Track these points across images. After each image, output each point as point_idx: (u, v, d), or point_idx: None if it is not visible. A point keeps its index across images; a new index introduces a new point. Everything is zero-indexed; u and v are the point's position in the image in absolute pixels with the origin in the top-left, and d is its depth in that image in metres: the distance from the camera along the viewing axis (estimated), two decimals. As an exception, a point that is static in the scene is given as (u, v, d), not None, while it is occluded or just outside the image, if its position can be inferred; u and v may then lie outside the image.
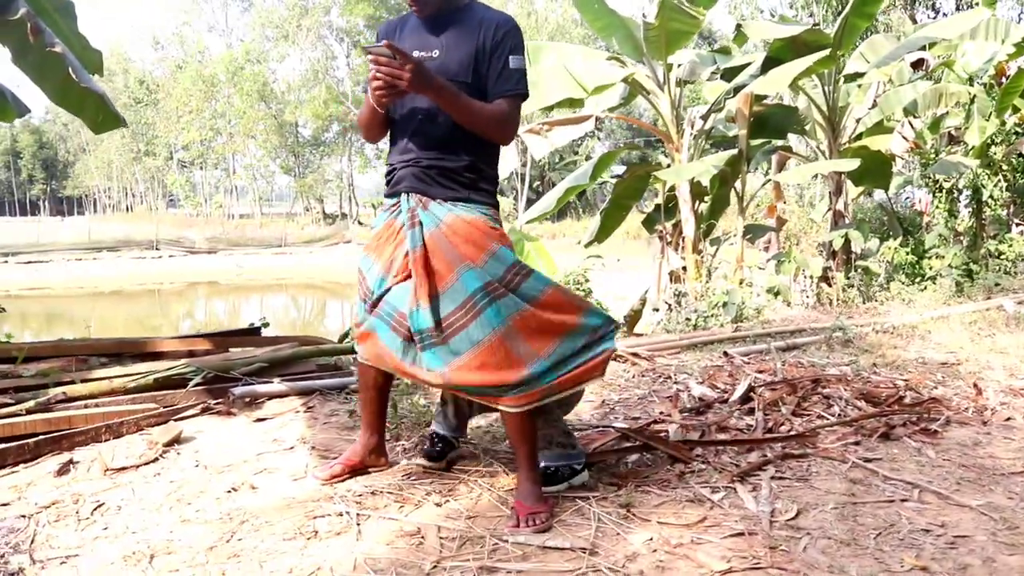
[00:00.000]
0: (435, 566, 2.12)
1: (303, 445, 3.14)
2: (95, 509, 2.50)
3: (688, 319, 6.64)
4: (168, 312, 29.52)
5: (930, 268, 9.43)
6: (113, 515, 2.46)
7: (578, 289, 7.16)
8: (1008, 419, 3.78)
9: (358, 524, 2.38)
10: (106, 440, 3.13)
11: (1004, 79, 10.84)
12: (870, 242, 8.70)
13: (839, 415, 3.73)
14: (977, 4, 18.59)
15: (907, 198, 11.82)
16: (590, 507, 2.55)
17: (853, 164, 7.55)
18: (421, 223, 2.45)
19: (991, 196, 10.50)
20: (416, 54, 2.42)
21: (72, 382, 3.43)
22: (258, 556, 2.18)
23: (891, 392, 4.07)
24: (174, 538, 2.30)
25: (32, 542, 2.28)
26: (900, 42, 8.74)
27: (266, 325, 4.55)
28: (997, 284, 8.65)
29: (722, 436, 3.37)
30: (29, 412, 3.15)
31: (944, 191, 11.39)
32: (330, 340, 4.64)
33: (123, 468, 2.82)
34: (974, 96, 10.72)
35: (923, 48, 9.29)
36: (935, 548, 2.32)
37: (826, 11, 18.02)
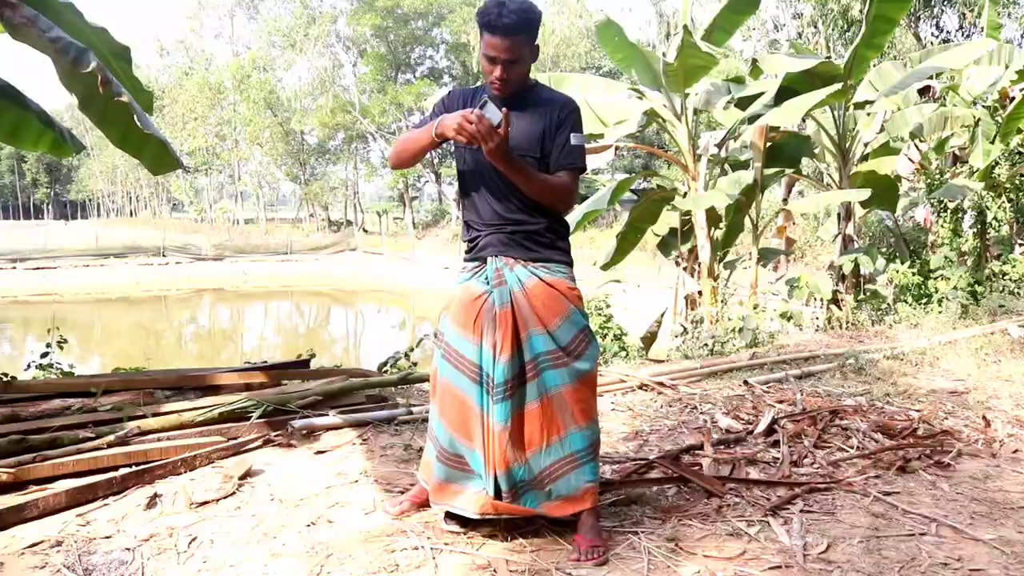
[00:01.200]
0: (510, 600, 2.37)
1: (366, 478, 3.39)
2: (190, 543, 2.75)
3: (706, 344, 6.89)
4: (174, 319, 29.79)
5: (936, 289, 9.68)
6: (208, 549, 2.71)
7: (599, 314, 7.42)
8: (1015, 451, 4.03)
9: (434, 558, 2.63)
10: (182, 473, 3.38)
11: (1008, 102, 11.11)
12: (877, 263, 8.95)
13: (858, 447, 3.99)
14: (978, 18, 18.91)
15: (910, 216, 12.07)
16: (640, 541, 2.80)
17: (864, 194, 7.81)
18: (507, 283, 2.70)
19: (995, 218, 10.76)
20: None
21: (144, 416, 3.68)
22: (349, 589, 2.43)
23: (905, 424, 4.32)
24: (269, 571, 2.55)
25: (142, 575, 2.53)
26: (908, 71, 9.00)
27: (313, 356, 4.80)
28: (1002, 306, 8.90)
29: (752, 470, 3.62)
30: (110, 446, 3.40)
31: (949, 211, 11.65)
32: (369, 371, 4.90)
33: (205, 502, 3.06)
34: (978, 119, 10.98)
35: (931, 77, 9.55)
36: (955, 583, 2.57)
37: (831, 31, 18.30)
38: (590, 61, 41.23)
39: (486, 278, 2.75)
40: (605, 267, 9.33)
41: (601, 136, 7.29)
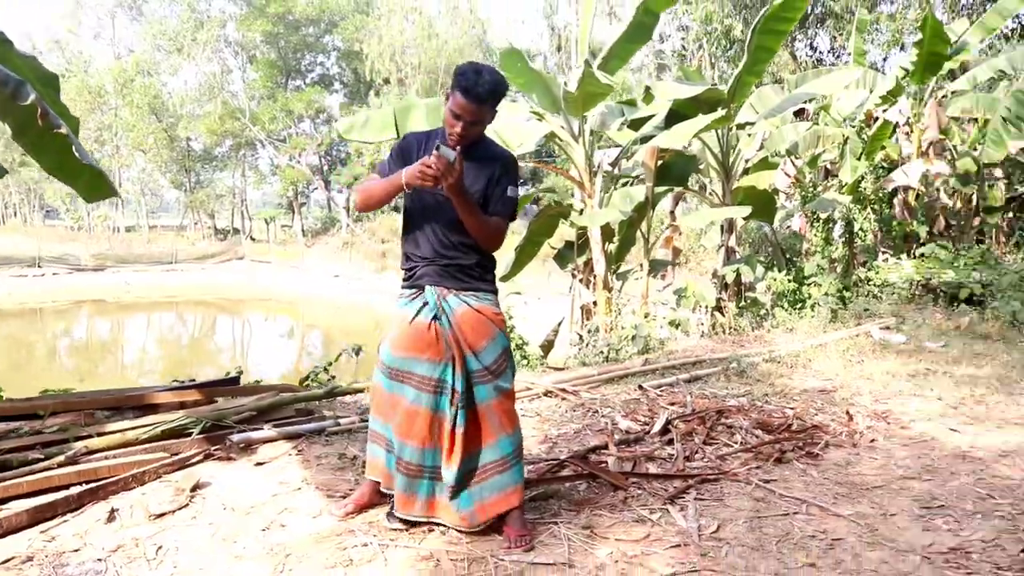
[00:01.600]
0: (455, 584, 2.76)
1: (307, 486, 3.70)
2: (157, 551, 3.01)
3: (601, 352, 7.42)
4: (50, 332, 28.60)
5: (809, 295, 10.57)
6: (174, 555, 2.98)
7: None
8: (872, 441, 4.67)
9: (383, 553, 2.98)
10: (133, 488, 3.61)
11: (872, 122, 12.22)
12: (757, 271, 9.71)
13: (741, 442, 4.55)
14: (847, 41, 20.43)
15: (787, 225, 13.05)
16: (560, 529, 3.23)
17: (746, 211, 8.53)
18: (446, 312, 3.09)
19: (861, 228, 11.80)
20: None
21: (90, 436, 3.88)
22: (311, 583, 2.76)
23: (781, 421, 4.93)
24: (235, 572, 2.85)
25: (118, 581, 2.79)
26: (786, 94, 9.83)
27: (241, 373, 5.04)
28: (866, 310, 9.82)
29: (651, 466, 4.12)
30: (61, 465, 3.60)
31: (821, 222, 12.67)
32: (296, 386, 5.17)
33: (163, 514, 3.32)
34: (847, 138, 12.04)
35: (806, 102, 10.44)
36: (819, 549, 3.11)
37: (715, 48, 19.42)
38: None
39: (428, 304, 3.13)
40: (504, 278, 9.77)
41: (522, 157, 7.74)
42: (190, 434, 4.10)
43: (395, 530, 3.17)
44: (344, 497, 3.53)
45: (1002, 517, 3.52)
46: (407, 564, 2.91)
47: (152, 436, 3.95)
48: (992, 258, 11.73)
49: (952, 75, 13.36)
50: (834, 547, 3.16)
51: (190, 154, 43.43)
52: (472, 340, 3.11)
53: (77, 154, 4.23)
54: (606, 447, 4.31)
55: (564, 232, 9.72)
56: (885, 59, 20.10)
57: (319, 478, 3.80)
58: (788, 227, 13.55)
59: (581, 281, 8.83)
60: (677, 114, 8.62)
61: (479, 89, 2.95)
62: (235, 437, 4.11)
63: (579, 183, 8.47)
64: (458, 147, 2.94)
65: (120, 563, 2.90)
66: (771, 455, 4.30)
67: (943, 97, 12.20)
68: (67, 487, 3.53)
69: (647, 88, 8.63)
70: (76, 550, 3.00)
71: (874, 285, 11.17)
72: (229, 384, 4.88)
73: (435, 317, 3.12)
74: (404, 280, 3.27)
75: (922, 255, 11.71)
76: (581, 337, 8.70)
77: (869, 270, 11.55)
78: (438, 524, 3.19)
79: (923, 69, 11.36)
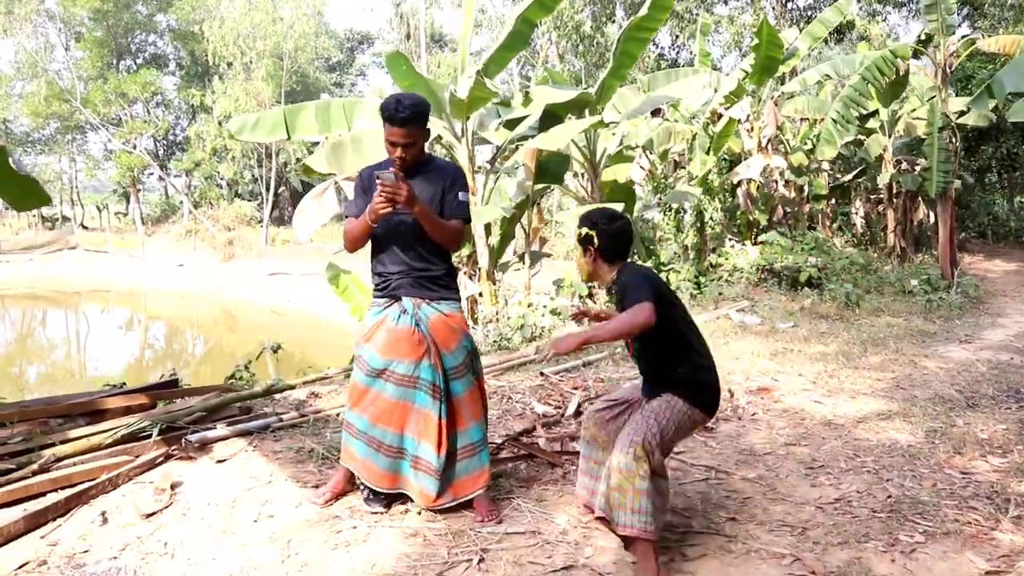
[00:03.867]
0: (449, 551, 3.21)
1: (276, 478, 4.02)
2: (165, 545, 3.28)
3: (495, 341, 7.95)
4: None
5: (668, 281, 11.51)
6: (183, 549, 3.26)
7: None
8: (754, 414, 5.45)
9: (372, 532, 3.38)
10: (110, 491, 3.81)
11: (717, 119, 13.33)
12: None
13: (645, 420, 5.19)
14: (689, 40, 21.97)
15: (646, 217, 14.01)
16: (519, 504, 3.73)
17: (619, 206, 9.24)
18: (421, 318, 3.51)
19: (711, 217, 12.90)
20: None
21: (53, 443, 4.01)
22: (321, 563, 3.14)
23: (675, 399, 5.61)
24: (248, 558, 3.17)
25: None
26: (642, 95, 10.66)
27: (176, 377, 5.21)
28: (720, 294, 10.85)
29: (576, 444, 4.68)
30: (35, 473, 3.75)
31: (672, 212, 13.72)
32: (235, 386, 5.39)
33: (153, 513, 3.56)
34: (695, 134, 13.09)
35: (662, 104, 11.34)
36: (735, 506, 3.77)
37: (566, 43, 20.37)
38: (320, 52, 41.21)
39: (407, 312, 3.54)
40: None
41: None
42: (148, 437, 4.29)
43: (376, 513, 3.57)
44: (316, 487, 3.88)
45: (869, 472, 4.32)
46: (398, 540, 3.32)
47: (115, 440, 4.13)
48: (825, 244, 13.15)
49: (782, 79, 14.73)
50: (746, 504, 3.83)
51: (9, 137, 40.38)
52: (445, 343, 3.56)
53: (14, 165, 4.30)
54: (534, 430, 4.84)
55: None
56: (723, 57, 21.76)
57: (284, 471, 4.11)
58: (643, 217, 14.51)
59: (465, 274, 9.30)
60: (550, 115, 9.23)
61: (401, 115, 3.41)
62: (192, 437, 4.33)
63: (465, 182, 8.93)
64: (395, 170, 3.36)
65: (135, 560, 3.16)
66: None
67: (778, 98, 13.47)
68: (44, 494, 3.69)
69: (526, 92, 9.21)
70: (86, 551, 3.22)
71: (724, 271, 12.26)
72: (169, 387, 5.04)
73: (416, 324, 3.54)
74: (377, 290, 3.66)
75: (763, 242, 12.95)
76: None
77: (719, 256, 12.65)
78: (412, 505, 3.61)
79: (760, 71, 12.51)
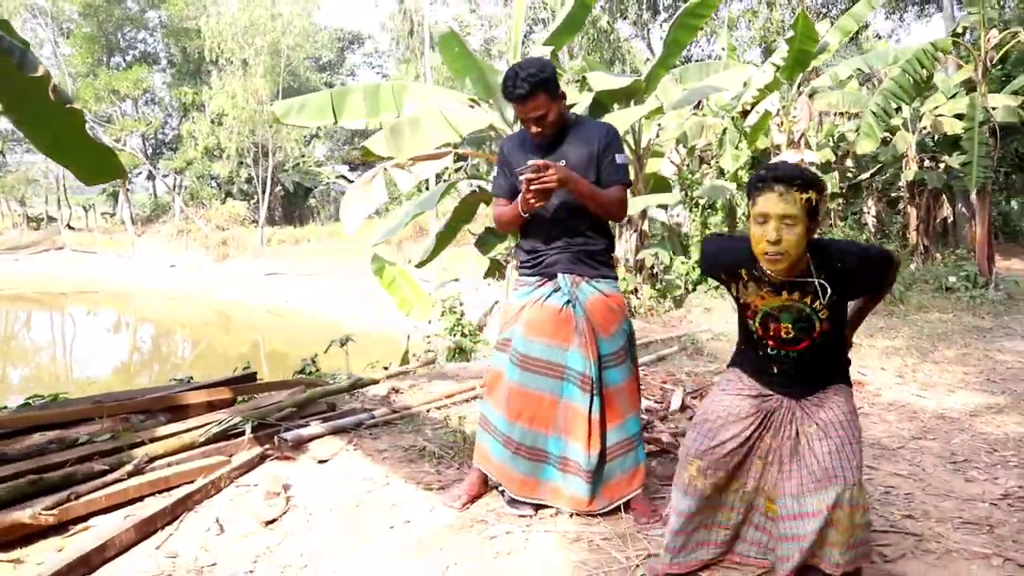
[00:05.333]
0: (624, 557, 2.82)
1: (392, 480, 3.62)
2: (301, 556, 2.88)
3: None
4: None
5: (706, 279, 11.20)
6: (325, 560, 2.85)
7: (452, 313, 7.82)
8: (861, 408, 5.10)
9: (527, 539, 3.00)
10: (213, 495, 3.40)
11: (745, 113, 13.04)
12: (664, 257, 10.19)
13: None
14: (713, 36, 21.74)
15: (675, 214, 13.72)
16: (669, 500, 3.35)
17: (675, 198, 8.93)
18: (578, 299, 3.12)
19: (744, 214, 12.60)
20: (556, 157, 3.11)
21: (143, 442, 3.60)
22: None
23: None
24: (401, 571, 2.77)
25: (285, 588, 2.65)
26: (685, 88, 10.33)
27: (251, 370, 4.80)
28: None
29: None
30: (130, 475, 3.34)
31: (699, 208, 13.42)
32: (317, 379, 4.98)
33: (274, 520, 3.16)
34: (726, 128, 12.80)
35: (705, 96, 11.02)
36: (903, 503, 3.41)
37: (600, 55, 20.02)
38: (316, 50, 40.76)
39: (561, 290, 3.16)
40: (420, 264, 9.71)
41: (459, 144, 7.71)
42: (238, 434, 3.88)
43: (524, 516, 3.19)
44: (441, 489, 3.49)
45: (1017, 466, 3.99)
46: (562, 547, 2.94)
47: (208, 439, 3.72)
48: (859, 237, 12.88)
49: (810, 74, 14.46)
50: (912, 500, 3.48)
51: (-6, 135, 39.59)
52: (603, 326, 3.17)
53: (88, 131, 3.89)
54: (652, 424, 4.47)
55: (486, 219, 9.76)
56: (744, 53, 21.50)
57: (398, 472, 3.72)
58: (674, 214, 14.21)
59: (515, 267, 8.91)
60: (598, 103, 8.88)
61: (519, 91, 3.03)
62: (287, 435, 3.94)
63: (513, 170, 8.56)
64: (536, 161, 2.97)
65: (273, 573, 2.76)
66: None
67: (811, 92, 13.19)
68: (141, 498, 3.29)
69: (583, 78, 8.84)
70: (213, 564, 2.81)
71: (758, 266, 11.97)
72: (245, 380, 4.63)
73: (567, 303, 3.16)
74: (527, 268, 3.28)
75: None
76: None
77: (751, 252, 12.36)
78: (559, 509, 3.23)
79: (793, 65, 12.21)
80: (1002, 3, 13.12)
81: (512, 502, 3.25)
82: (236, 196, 37.63)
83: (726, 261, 2.61)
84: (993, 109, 12.78)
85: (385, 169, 7.68)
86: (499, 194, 3.29)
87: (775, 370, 2.60)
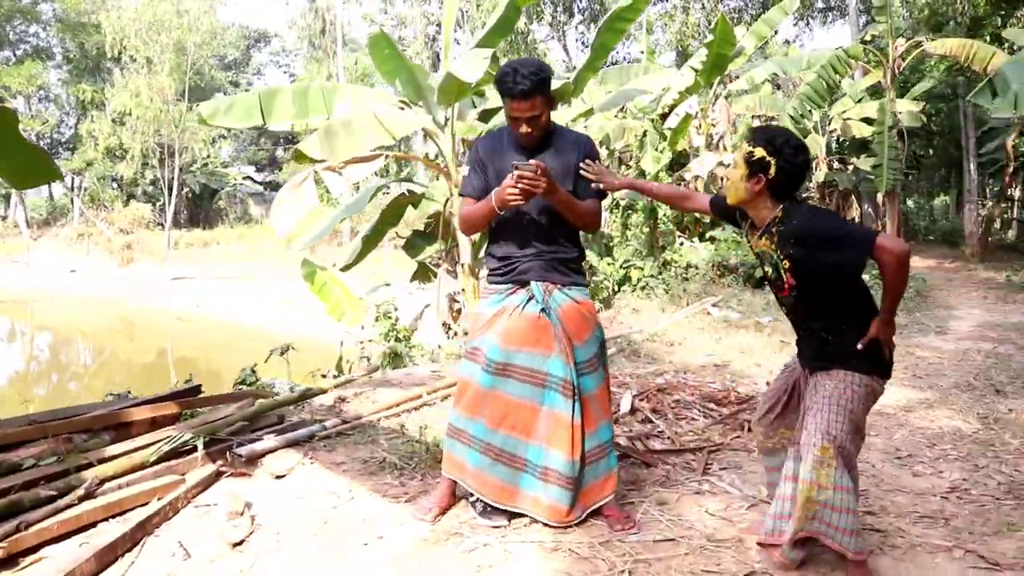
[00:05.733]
0: (608, 564, 2.83)
1: (356, 494, 3.53)
2: (275, 578, 2.77)
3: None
4: None
5: (629, 278, 11.36)
6: (300, 580, 2.76)
7: (387, 318, 7.70)
8: (805, 406, 5.24)
9: (507, 550, 2.97)
10: (172, 517, 3.25)
11: (664, 116, 13.29)
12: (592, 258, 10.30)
13: (705, 415, 4.93)
14: (630, 41, 22.00)
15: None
16: (645, 509, 3.38)
17: (604, 203, 8.96)
18: (552, 307, 3.11)
19: (664, 215, 12.82)
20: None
21: (91, 464, 3.41)
22: (473, 588, 2.70)
23: (724, 394, 5.38)
24: (383, 587, 2.71)
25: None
26: (612, 91, 10.46)
27: (194, 384, 4.61)
28: (684, 290, 10.74)
29: (655, 443, 4.36)
30: (81, 500, 3.16)
31: (620, 209, 13.59)
32: (265, 391, 4.81)
33: (242, 541, 3.04)
34: (646, 131, 13.00)
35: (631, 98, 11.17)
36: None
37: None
38: (222, 49, 39.67)
39: (536, 298, 3.13)
40: (346, 268, 9.55)
41: (394, 148, 7.59)
42: (188, 451, 3.72)
43: (498, 527, 3.15)
44: (408, 501, 3.43)
45: (958, 459, 4.19)
46: (543, 557, 2.92)
47: (160, 457, 3.56)
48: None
49: (727, 78, 14.85)
50: (866, 496, 3.60)
51: None
52: (577, 334, 3.17)
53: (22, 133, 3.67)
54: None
55: (413, 222, 9.66)
56: (659, 56, 21.91)
57: (362, 485, 3.63)
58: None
59: (447, 270, 8.86)
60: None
61: (520, 87, 2.99)
62: (240, 450, 3.80)
63: (446, 173, 8.49)
64: (533, 161, 2.95)
65: (250, 596, 2.65)
66: (738, 424, 4.71)
67: (728, 95, 13.55)
68: (95, 524, 3.12)
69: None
70: (186, 590, 2.69)
71: (680, 267, 12.20)
72: (193, 394, 4.44)
73: (542, 311, 3.14)
74: (499, 275, 3.24)
75: (712, 238, 12.97)
76: (449, 326, 8.75)
77: (673, 253, 12.57)
78: (533, 518, 3.21)
79: (711, 68, 12.52)
80: (905, 14, 13.73)
81: (484, 513, 3.21)
82: (140, 198, 36.29)
83: None
84: (899, 114, 13.39)
85: (316, 171, 7.51)
86: (469, 193, 3.23)
87: (790, 318, 2.96)
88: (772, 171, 2.70)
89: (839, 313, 2.77)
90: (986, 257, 17.41)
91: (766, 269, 2.87)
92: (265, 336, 21.01)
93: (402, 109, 8.21)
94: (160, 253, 31.41)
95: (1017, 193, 20.51)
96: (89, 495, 3.20)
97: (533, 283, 3.17)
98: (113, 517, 3.17)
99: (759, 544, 2.95)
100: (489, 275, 3.31)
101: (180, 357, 20.62)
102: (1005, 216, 21.19)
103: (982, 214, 17.39)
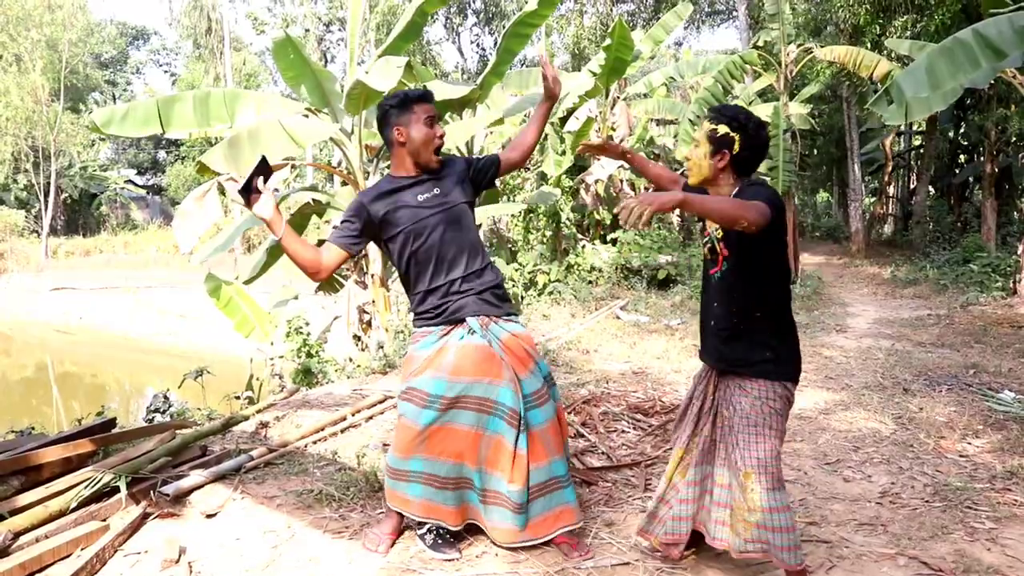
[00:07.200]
0: (573, 601, 2.79)
1: (296, 530, 3.38)
2: (225, 632, 2.61)
3: (396, 350, 7.41)
4: None
5: (535, 283, 11.41)
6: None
7: (299, 334, 7.45)
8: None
9: (466, 584, 2.90)
10: (99, 569, 3.03)
11: (563, 120, 13.40)
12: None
13: (635, 426, 4.96)
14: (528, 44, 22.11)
15: (499, 219, 13.84)
16: (592, 531, 3.36)
17: (521, 207, 8.98)
18: (490, 339, 3.05)
19: (567, 218, 12.93)
20: (435, 192, 3.13)
21: (2, 516, 3.15)
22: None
23: (650, 404, 5.43)
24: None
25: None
26: (515, 94, 10.46)
27: (106, 416, 4.32)
28: (590, 294, 10.85)
29: (592, 459, 4.35)
30: (-4, 558, 2.91)
31: (522, 214, 13.64)
32: (185, 422, 4.55)
33: (181, 592, 2.86)
34: (547, 134, 13.07)
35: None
36: (798, 508, 3.60)
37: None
38: (98, 46, 37.89)
39: (476, 334, 3.06)
40: (249, 281, 9.23)
41: (297, 158, 7.34)
42: (108, 494, 3.49)
43: (451, 560, 3.07)
44: (353, 536, 3.31)
45: (882, 463, 4.35)
46: (502, 589, 2.86)
47: (80, 503, 3.31)
48: (675, 242, 13.58)
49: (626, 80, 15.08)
50: (805, 505, 3.70)
51: None
52: (520, 365, 3.12)
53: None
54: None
55: (320, 233, 9.40)
56: (553, 59, 22.06)
57: (300, 520, 3.48)
58: (497, 220, 14.34)
59: (355, 281, 8.64)
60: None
61: (429, 92, 3.23)
62: (167, 489, 3.59)
63: (354, 182, 8.29)
64: (435, 187, 3.15)
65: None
66: (669, 435, 4.76)
67: (628, 99, 13.77)
68: (13, 583, 2.87)
69: (424, 86, 8.70)
70: (125, 653, 2.50)
71: (584, 270, 12.34)
72: (108, 429, 4.15)
73: (488, 342, 3.08)
74: (430, 318, 3.13)
75: (614, 240, 13.17)
76: (359, 338, 8.57)
77: (576, 256, 12.70)
78: (487, 546, 3.15)
79: (610, 72, 12.70)
80: (796, 21, 14.31)
81: (435, 546, 3.13)
82: (12, 204, 34.16)
83: None
84: (791, 117, 13.91)
85: (219, 183, 7.20)
86: (335, 241, 3.11)
87: (705, 303, 2.96)
88: (736, 147, 2.74)
89: (758, 294, 2.77)
90: (870, 253, 18.35)
91: (704, 250, 2.90)
92: (154, 348, 20.14)
93: (307, 116, 7.98)
94: (37, 263, 29.65)
95: (892, 190, 21.69)
96: (3, 552, 2.95)
97: (469, 319, 3.10)
98: (34, 575, 2.93)
99: (662, 544, 2.97)
100: (417, 318, 3.21)
101: (63, 372, 19.54)
102: (882, 212, 22.40)
103: (866, 212, 18.28)
